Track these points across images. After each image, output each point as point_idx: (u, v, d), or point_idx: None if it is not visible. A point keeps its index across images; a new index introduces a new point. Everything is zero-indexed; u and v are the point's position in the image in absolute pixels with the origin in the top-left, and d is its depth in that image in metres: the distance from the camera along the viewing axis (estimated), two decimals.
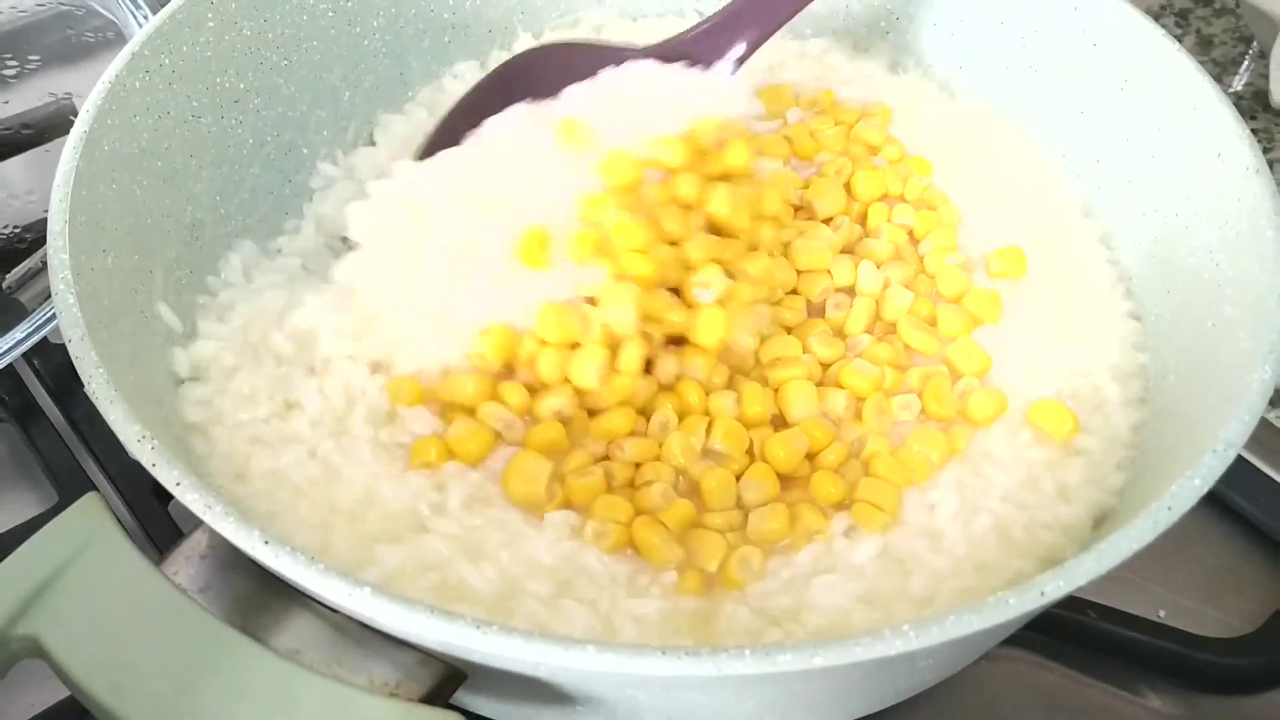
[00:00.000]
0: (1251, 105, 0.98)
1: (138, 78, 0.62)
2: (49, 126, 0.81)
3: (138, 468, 0.48)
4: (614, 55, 0.70)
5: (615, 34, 0.81)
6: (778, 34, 0.76)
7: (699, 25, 0.70)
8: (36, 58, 0.84)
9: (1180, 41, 1.02)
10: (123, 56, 0.62)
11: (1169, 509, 0.46)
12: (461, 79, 0.78)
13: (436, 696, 0.46)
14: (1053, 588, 0.44)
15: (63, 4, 0.85)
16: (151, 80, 0.63)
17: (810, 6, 0.70)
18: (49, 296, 0.65)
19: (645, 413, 0.61)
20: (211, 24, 0.66)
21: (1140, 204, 0.66)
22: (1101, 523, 0.57)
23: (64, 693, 0.56)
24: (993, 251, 0.67)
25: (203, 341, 0.62)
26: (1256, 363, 0.51)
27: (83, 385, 0.50)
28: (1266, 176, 0.58)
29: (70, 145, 0.58)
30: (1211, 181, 0.61)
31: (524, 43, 0.80)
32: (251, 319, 0.63)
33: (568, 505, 0.57)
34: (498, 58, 0.79)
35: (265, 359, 0.62)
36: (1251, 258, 0.56)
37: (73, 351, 0.51)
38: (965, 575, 0.54)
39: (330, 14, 0.73)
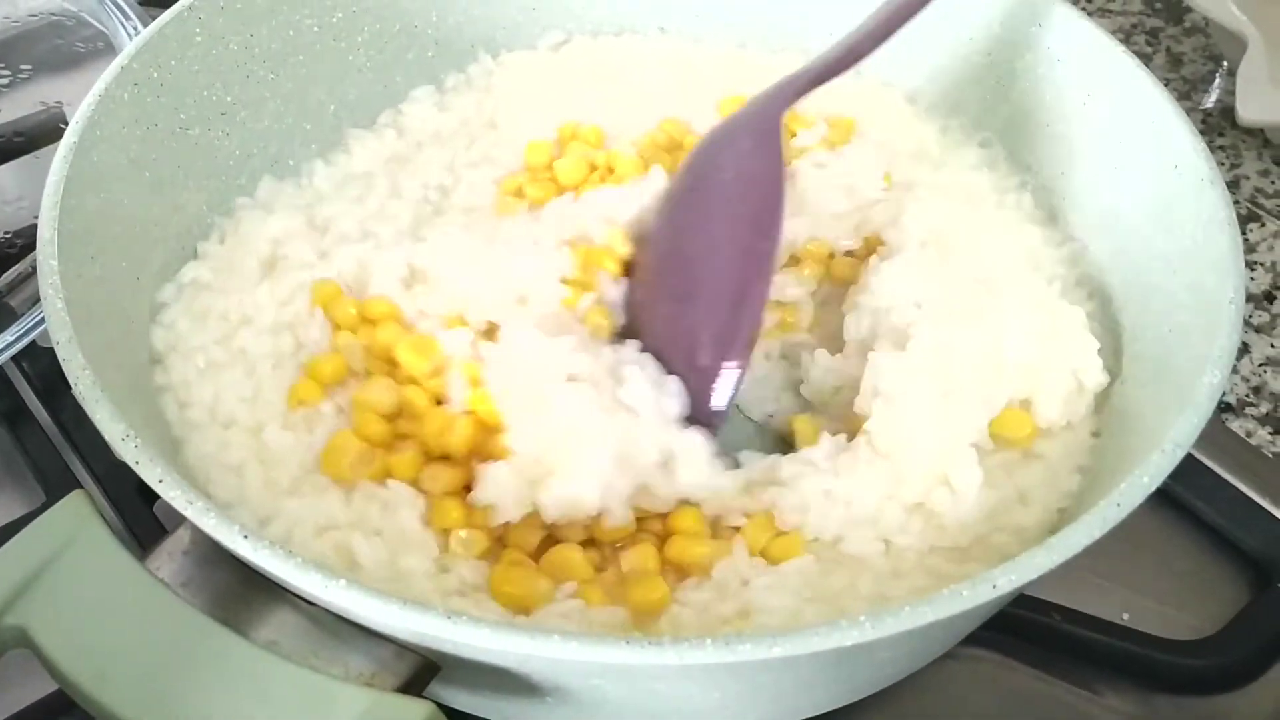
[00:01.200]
0: (1220, 122, 1.00)
1: (127, 90, 0.64)
2: (40, 134, 0.82)
3: (123, 469, 0.49)
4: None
5: (576, 50, 0.83)
6: (747, 49, 0.80)
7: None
8: (28, 67, 0.86)
9: (1150, 60, 1.05)
10: (112, 69, 0.64)
11: (1118, 505, 0.47)
12: (419, 103, 0.79)
13: (411, 687, 0.47)
14: (1004, 581, 0.45)
15: (54, 14, 0.87)
16: (140, 92, 0.65)
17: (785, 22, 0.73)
18: (38, 301, 0.66)
19: None
20: (199, 38, 0.68)
21: (1102, 215, 0.68)
22: (1059, 526, 0.58)
23: (50, 688, 0.58)
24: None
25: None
26: (1206, 366, 0.52)
27: (70, 388, 0.51)
28: (1221, 188, 0.60)
29: (60, 155, 0.59)
30: (1169, 193, 0.62)
31: (506, 59, 0.82)
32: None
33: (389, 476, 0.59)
34: (475, 72, 0.81)
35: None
36: (1206, 266, 0.58)
37: (60, 354, 0.52)
38: (916, 577, 0.55)
39: (316, 29, 0.74)
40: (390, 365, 0.63)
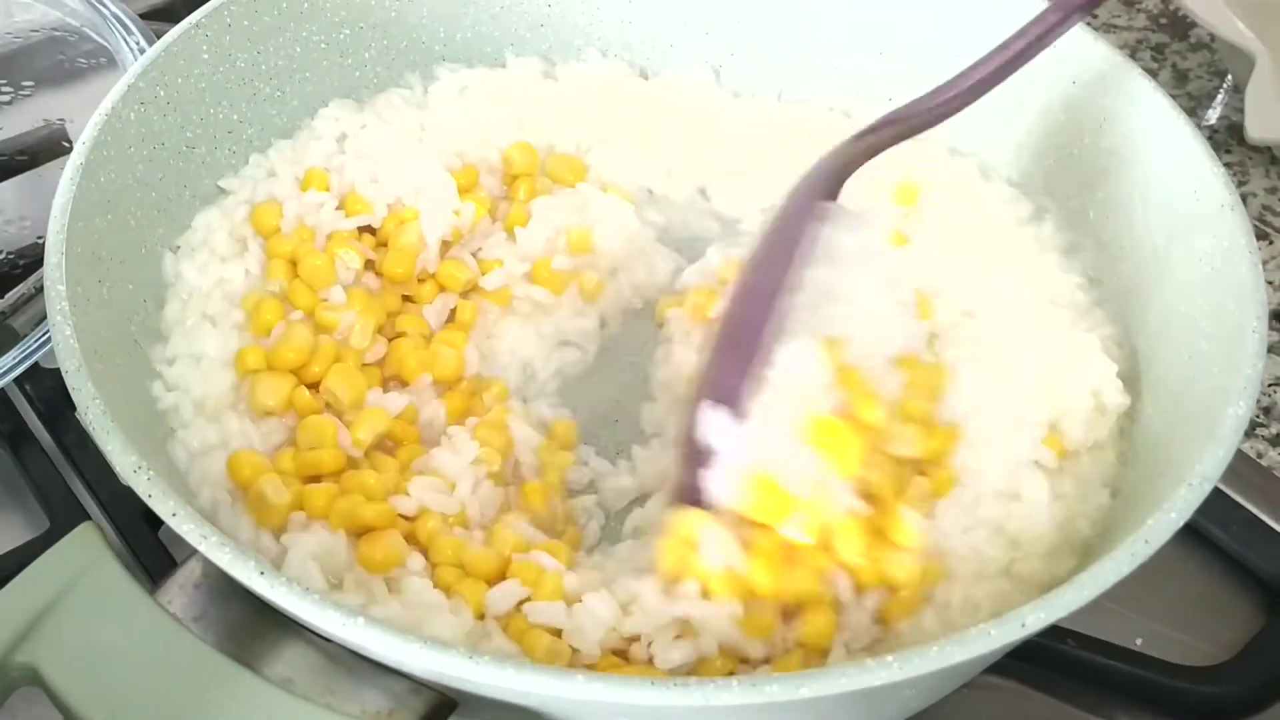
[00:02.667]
0: (1226, 139, 1.00)
1: (133, 109, 0.63)
2: (42, 151, 0.82)
3: (129, 493, 0.48)
4: None
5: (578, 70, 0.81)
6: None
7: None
8: (30, 83, 0.85)
9: (1156, 75, 1.05)
10: (119, 88, 0.63)
11: (1145, 542, 0.47)
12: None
13: None
14: (1034, 619, 0.45)
15: (55, 29, 0.86)
16: (146, 112, 0.64)
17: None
18: (41, 321, 0.66)
19: None
20: (206, 56, 0.68)
21: (1119, 240, 0.68)
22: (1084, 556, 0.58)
23: None
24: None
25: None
26: (1231, 397, 0.52)
27: (74, 410, 0.51)
28: (1241, 212, 0.59)
29: (67, 177, 0.59)
30: (1188, 217, 0.62)
31: (516, 66, 0.80)
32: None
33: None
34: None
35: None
36: (1226, 292, 0.57)
37: (69, 382, 0.51)
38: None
39: (323, 46, 0.74)
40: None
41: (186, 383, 0.61)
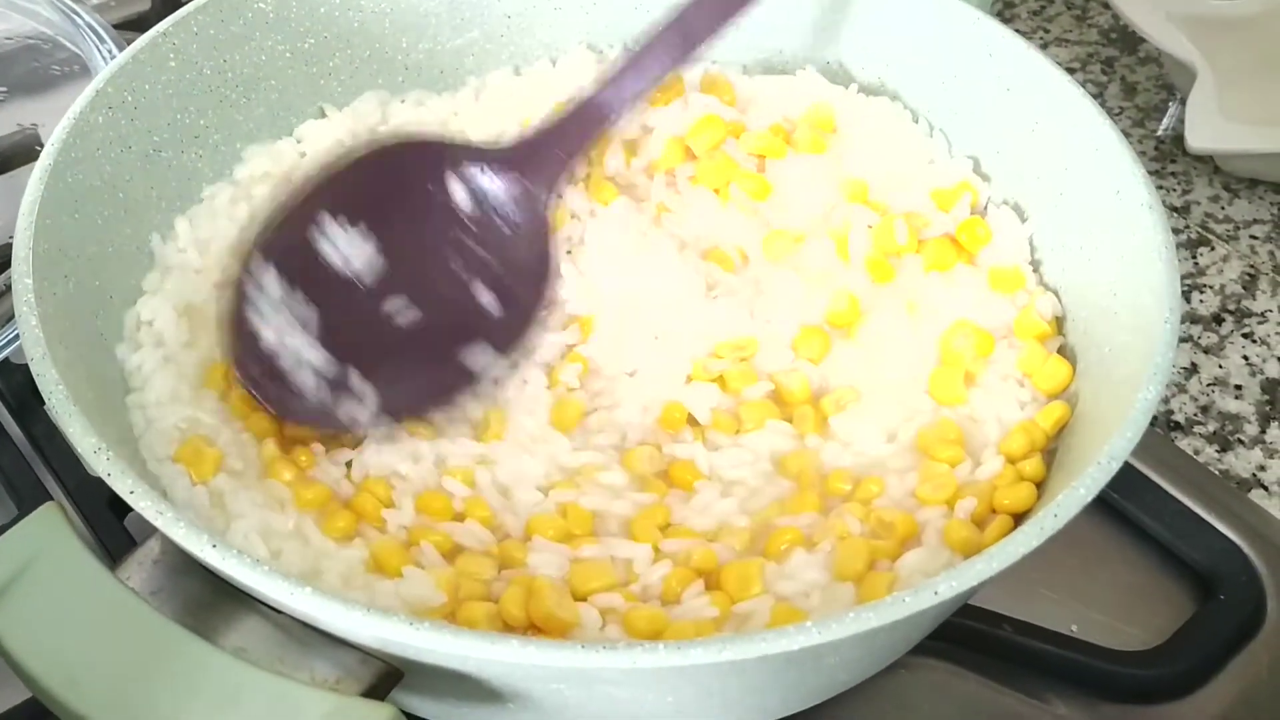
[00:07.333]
0: (1172, 149, 1.03)
1: (101, 113, 0.66)
2: (14, 155, 0.84)
3: (95, 483, 0.51)
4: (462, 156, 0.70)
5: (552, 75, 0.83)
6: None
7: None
8: (4, 89, 0.87)
9: (1106, 88, 1.08)
10: (87, 93, 0.65)
11: (1055, 516, 0.49)
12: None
13: (374, 693, 0.49)
14: (945, 587, 0.47)
15: (29, 38, 0.88)
16: (114, 116, 0.66)
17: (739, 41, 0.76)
18: (10, 319, 0.68)
19: None
20: (173, 63, 0.70)
21: (1050, 239, 0.70)
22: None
23: (24, 696, 0.59)
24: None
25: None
26: (1142, 383, 0.54)
27: (43, 404, 0.53)
28: (1160, 212, 0.62)
29: (35, 176, 0.61)
30: (1111, 217, 0.65)
31: (482, 84, 0.83)
32: None
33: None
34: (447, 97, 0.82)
35: None
36: (1144, 287, 0.60)
37: (34, 370, 0.54)
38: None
39: (288, 55, 0.76)
40: None
41: (152, 340, 0.64)
